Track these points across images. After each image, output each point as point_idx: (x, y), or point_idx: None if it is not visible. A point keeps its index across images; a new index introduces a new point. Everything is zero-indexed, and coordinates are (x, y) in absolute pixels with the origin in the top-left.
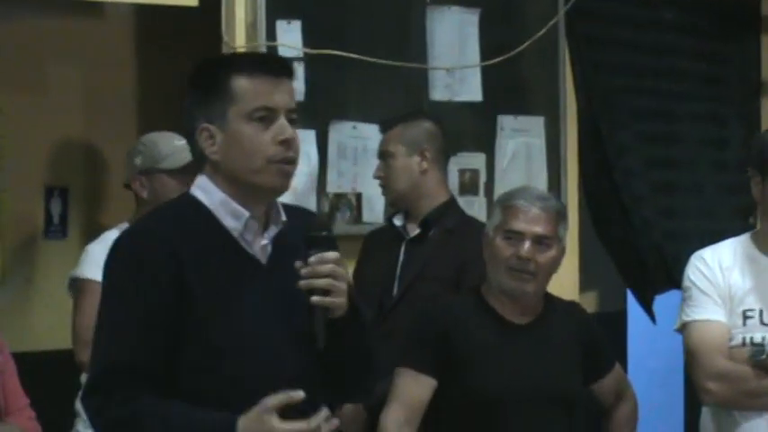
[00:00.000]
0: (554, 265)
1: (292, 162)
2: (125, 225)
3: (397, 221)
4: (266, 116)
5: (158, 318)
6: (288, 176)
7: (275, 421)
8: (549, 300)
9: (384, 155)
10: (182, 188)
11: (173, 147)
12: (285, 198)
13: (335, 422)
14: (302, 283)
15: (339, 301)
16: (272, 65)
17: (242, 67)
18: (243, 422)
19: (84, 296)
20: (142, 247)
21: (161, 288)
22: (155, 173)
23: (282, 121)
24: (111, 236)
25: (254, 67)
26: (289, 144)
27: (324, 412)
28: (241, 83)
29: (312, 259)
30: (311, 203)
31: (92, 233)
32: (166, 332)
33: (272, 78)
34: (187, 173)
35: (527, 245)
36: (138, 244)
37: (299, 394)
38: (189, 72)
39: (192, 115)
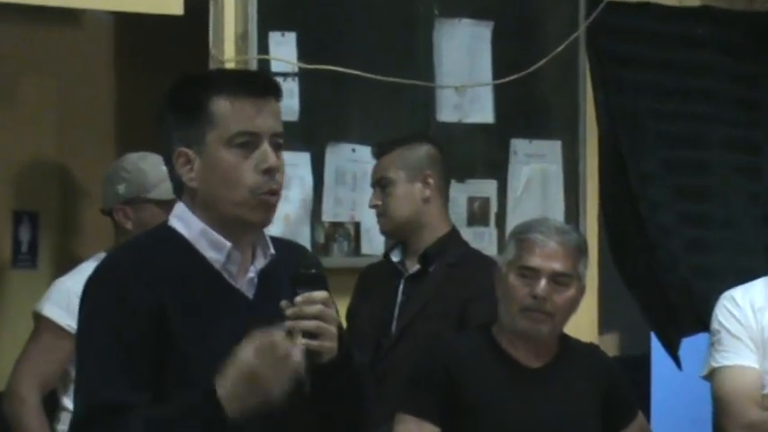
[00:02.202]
0: (573, 306)
1: (275, 193)
2: (102, 255)
3: (395, 257)
4: (248, 142)
5: (141, 351)
6: (271, 210)
7: (243, 353)
8: (566, 341)
9: (382, 182)
10: None
11: (162, 174)
12: (276, 227)
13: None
14: (288, 324)
15: (328, 345)
16: (255, 85)
17: (223, 87)
18: (220, 382)
19: (35, 335)
20: (119, 278)
21: (141, 320)
22: (142, 203)
23: (266, 147)
24: (86, 267)
25: (235, 87)
26: (272, 173)
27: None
28: (221, 105)
29: (299, 299)
30: (305, 233)
31: (64, 263)
32: (150, 365)
33: (255, 100)
34: None
35: (543, 283)
36: (115, 275)
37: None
38: (166, 89)
39: (169, 137)
